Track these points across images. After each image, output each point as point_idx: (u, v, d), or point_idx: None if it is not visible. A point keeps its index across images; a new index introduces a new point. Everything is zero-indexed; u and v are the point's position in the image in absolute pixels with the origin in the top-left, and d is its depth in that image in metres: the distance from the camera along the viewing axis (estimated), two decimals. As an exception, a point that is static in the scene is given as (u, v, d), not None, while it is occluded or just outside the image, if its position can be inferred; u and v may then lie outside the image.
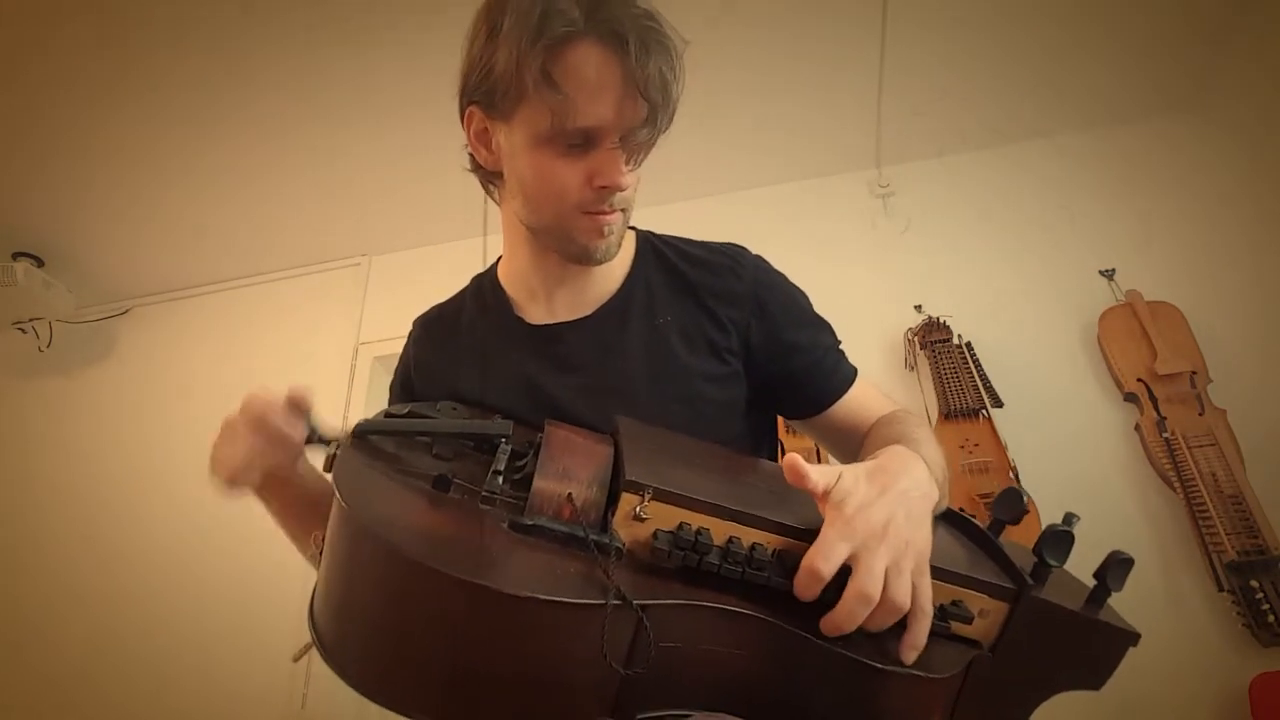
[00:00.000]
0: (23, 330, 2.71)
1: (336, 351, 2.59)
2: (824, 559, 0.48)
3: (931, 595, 0.50)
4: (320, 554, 0.51)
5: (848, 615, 0.47)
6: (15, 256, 2.51)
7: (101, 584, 2.36)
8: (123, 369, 2.78)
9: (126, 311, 2.86)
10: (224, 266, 2.78)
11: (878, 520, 0.49)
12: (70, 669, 2.27)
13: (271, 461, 0.63)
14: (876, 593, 0.47)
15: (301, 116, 2.15)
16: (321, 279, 2.78)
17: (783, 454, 0.87)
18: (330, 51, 1.95)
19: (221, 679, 2.15)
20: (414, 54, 1.96)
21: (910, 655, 0.49)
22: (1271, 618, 1.57)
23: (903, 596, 0.48)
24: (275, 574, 2.10)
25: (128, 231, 2.55)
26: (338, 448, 0.55)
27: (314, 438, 0.62)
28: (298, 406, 0.63)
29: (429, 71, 2.00)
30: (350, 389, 2.50)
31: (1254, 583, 1.61)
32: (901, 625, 0.50)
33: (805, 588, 0.48)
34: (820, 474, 0.51)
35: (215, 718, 2.12)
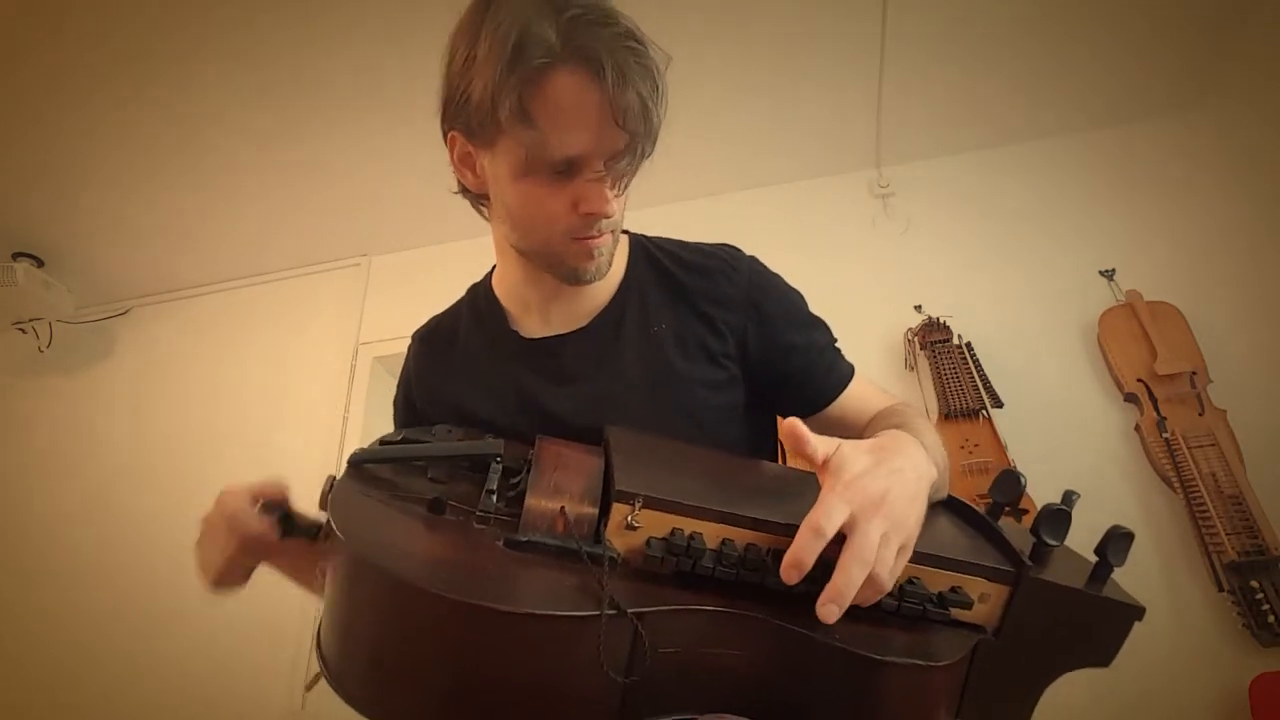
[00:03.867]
0: (23, 330, 2.71)
1: (336, 351, 2.59)
2: (825, 517, 0.46)
3: (899, 575, 0.50)
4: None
5: (847, 581, 0.46)
6: (15, 256, 2.52)
7: (101, 584, 2.36)
8: (123, 369, 2.78)
9: (126, 311, 2.87)
10: (224, 266, 2.79)
11: (876, 489, 0.49)
12: (69, 669, 2.27)
13: (253, 561, 0.64)
14: (872, 557, 0.47)
15: (301, 116, 2.15)
16: (321, 279, 2.78)
17: (783, 455, 0.87)
18: (330, 50, 1.95)
19: (221, 679, 2.15)
20: (414, 53, 1.96)
21: (830, 613, 0.46)
22: (1271, 618, 1.57)
23: (887, 570, 0.47)
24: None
25: (128, 231, 2.55)
26: (333, 481, 0.55)
27: (292, 532, 0.61)
28: (270, 501, 0.62)
29: (430, 71, 2.00)
30: (350, 389, 2.50)
31: (1254, 583, 1.61)
32: (899, 615, 0.51)
33: (804, 549, 0.46)
34: (820, 442, 0.51)
35: (216, 717, 2.12)
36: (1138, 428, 1.91)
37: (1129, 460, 1.90)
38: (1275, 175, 2.03)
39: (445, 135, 0.70)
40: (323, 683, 0.47)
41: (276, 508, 0.62)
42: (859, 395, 0.79)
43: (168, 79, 1.98)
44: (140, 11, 1.78)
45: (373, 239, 2.72)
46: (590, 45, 0.58)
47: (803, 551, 0.46)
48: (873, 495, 0.48)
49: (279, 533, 0.61)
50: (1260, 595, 1.59)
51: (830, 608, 0.46)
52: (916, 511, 0.51)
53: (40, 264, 2.58)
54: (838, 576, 0.46)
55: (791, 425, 0.51)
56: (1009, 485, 0.63)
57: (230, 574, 0.63)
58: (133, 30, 1.83)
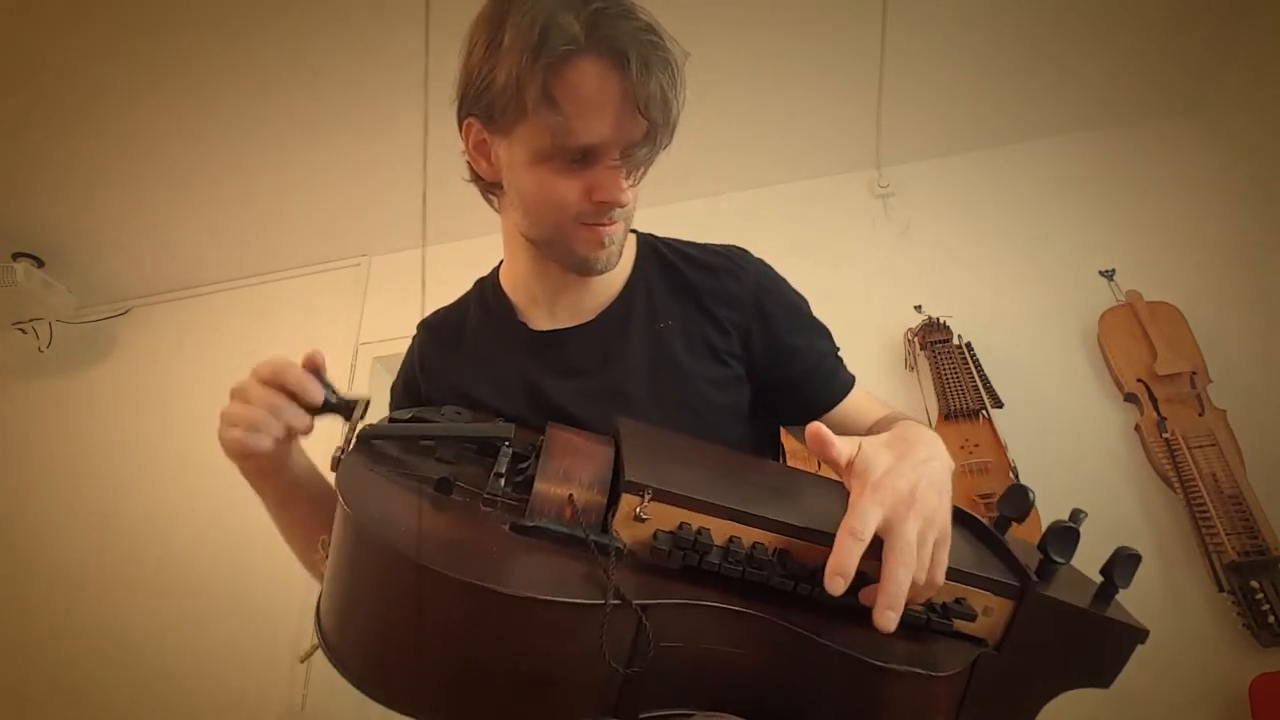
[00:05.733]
0: (23, 330, 2.71)
1: (337, 352, 2.59)
2: (861, 523, 0.47)
3: (945, 569, 0.50)
4: (326, 557, 0.51)
5: (896, 585, 0.46)
6: (15, 256, 2.51)
7: (102, 584, 2.36)
8: (123, 369, 2.78)
9: (127, 312, 2.86)
10: (224, 267, 2.78)
11: (904, 486, 0.49)
12: (71, 668, 2.27)
13: (287, 421, 0.61)
14: (914, 557, 0.47)
15: (302, 117, 2.15)
16: (322, 279, 2.78)
17: (785, 458, 0.87)
18: (331, 52, 1.95)
19: (222, 678, 2.15)
20: (415, 56, 1.96)
21: (889, 620, 0.46)
22: (1272, 618, 1.57)
23: (935, 567, 0.48)
24: (276, 574, 2.10)
25: (128, 232, 2.55)
26: (343, 452, 0.55)
27: (330, 401, 0.61)
28: (312, 366, 0.62)
29: (433, 72, 2.00)
30: (350, 389, 2.49)
31: (1254, 583, 1.61)
32: (902, 623, 0.50)
33: (846, 555, 0.46)
34: (842, 444, 0.51)
35: (215, 717, 2.12)
36: (1138, 428, 1.91)
37: (1129, 460, 1.90)
38: (1275, 175, 2.03)
39: (460, 123, 0.70)
40: (323, 683, 0.47)
41: (318, 373, 0.62)
42: (858, 405, 0.79)
43: (168, 81, 1.98)
44: (142, 15, 1.78)
45: (373, 239, 2.72)
46: (614, 36, 0.60)
47: (845, 557, 0.46)
48: (902, 493, 0.49)
49: (323, 393, 0.61)
50: (1260, 595, 1.59)
51: (888, 614, 0.46)
52: (946, 504, 0.52)
53: (40, 264, 2.57)
54: (887, 583, 0.47)
55: (815, 429, 0.51)
56: (1017, 500, 0.61)
57: (262, 428, 0.60)
58: (134, 33, 1.83)
